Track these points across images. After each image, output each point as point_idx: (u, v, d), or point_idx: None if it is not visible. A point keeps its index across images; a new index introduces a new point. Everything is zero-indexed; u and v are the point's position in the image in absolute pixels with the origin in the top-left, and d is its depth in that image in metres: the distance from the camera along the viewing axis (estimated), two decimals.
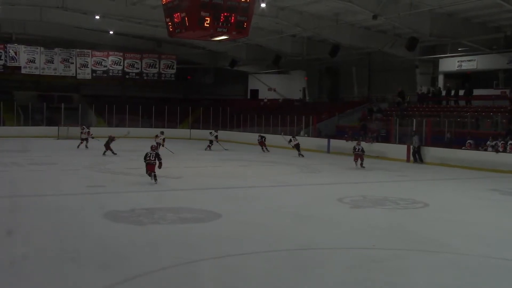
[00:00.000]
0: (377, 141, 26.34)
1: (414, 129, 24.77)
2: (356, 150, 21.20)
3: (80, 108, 40.02)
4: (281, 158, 24.61)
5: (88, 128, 29.19)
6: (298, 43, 34.56)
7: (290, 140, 26.42)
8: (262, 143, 29.17)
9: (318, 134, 31.54)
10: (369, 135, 27.08)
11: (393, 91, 33.13)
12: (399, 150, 24.60)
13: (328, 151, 27.62)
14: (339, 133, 30.39)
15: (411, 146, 23.81)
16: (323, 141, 29.25)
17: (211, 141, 28.78)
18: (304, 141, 30.92)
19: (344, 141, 27.12)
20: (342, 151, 25.71)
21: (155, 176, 14.93)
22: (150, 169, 15.03)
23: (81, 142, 27.71)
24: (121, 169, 18.29)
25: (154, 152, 15.35)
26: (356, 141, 22.49)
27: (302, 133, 32.84)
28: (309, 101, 42.66)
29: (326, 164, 22.20)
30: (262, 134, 30.33)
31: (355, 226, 10.01)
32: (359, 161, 20.82)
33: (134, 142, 31.67)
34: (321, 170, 19.94)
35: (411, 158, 23.74)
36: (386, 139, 26.86)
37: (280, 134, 29.66)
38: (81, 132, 28.61)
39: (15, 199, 12.08)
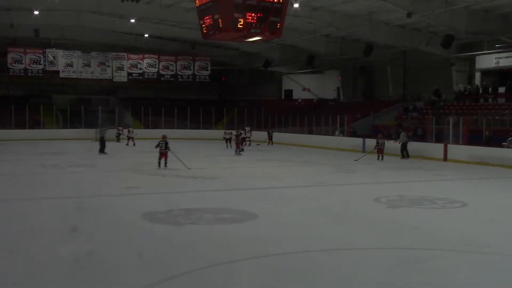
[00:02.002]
0: (413, 140, 26.02)
1: (402, 127, 26.74)
2: (379, 144, 23.42)
3: (117, 111, 40.66)
4: (316, 158, 24.54)
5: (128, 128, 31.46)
6: (331, 42, 34.41)
7: (240, 134, 28.20)
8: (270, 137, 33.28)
9: (353, 134, 31.34)
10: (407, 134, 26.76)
11: (429, 90, 32.73)
12: (436, 148, 24.26)
13: (364, 151, 27.38)
14: (375, 133, 30.13)
15: (399, 142, 24.42)
16: (358, 141, 29.04)
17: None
18: (339, 140, 30.84)
19: (392, 141, 26.84)
20: (390, 151, 25.43)
21: (165, 162, 18.47)
22: (164, 157, 18.44)
23: (129, 140, 31.61)
24: (158, 171, 18.47)
25: (165, 141, 18.49)
26: (380, 135, 24.46)
27: (337, 132, 32.70)
28: (343, 101, 42.46)
29: (362, 164, 22.03)
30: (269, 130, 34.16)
31: (392, 226, 9.90)
32: (381, 156, 23.07)
33: (170, 144, 31.88)
34: (357, 170, 19.79)
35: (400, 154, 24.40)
36: (423, 138, 26.52)
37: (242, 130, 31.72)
38: (128, 131, 32.48)
39: (56, 200, 12.32)
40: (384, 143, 23.86)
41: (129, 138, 32.28)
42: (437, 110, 29.53)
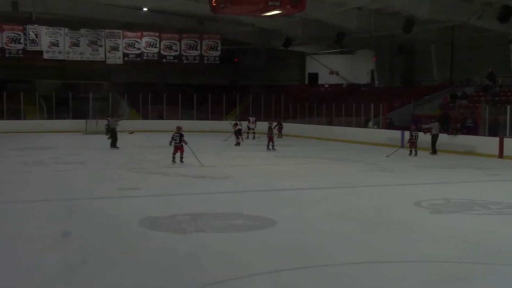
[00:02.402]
0: (462, 133, 25.89)
1: (435, 116, 27.58)
2: (413, 137, 24.11)
3: (111, 98, 40.86)
4: (345, 154, 24.52)
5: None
6: (364, 17, 34.24)
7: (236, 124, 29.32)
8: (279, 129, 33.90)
9: (390, 125, 31.23)
10: (452, 126, 26.66)
11: (482, 73, 32.45)
12: (490, 143, 24.11)
13: (402, 146, 27.30)
14: (415, 124, 29.98)
15: (430, 134, 25.02)
16: (396, 134, 28.93)
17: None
18: (373, 133, 30.76)
19: (422, 133, 26.77)
20: (419, 145, 25.36)
21: (181, 157, 19.41)
22: (179, 151, 19.37)
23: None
24: (159, 169, 18.59)
25: (179, 134, 19.39)
26: (414, 126, 25.14)
27: (370, 124, 32.62)
28: (378, 86, 42.33)
29: (400, 161, 21.97)
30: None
31: (436, 235, 9.88)
32: (413, 150, 23.75)
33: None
34: (394, 169, 19.75)
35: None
36: (473, 131, 26.36)
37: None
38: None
39: (37, 204, 12.46)
40: (417, 136, 24.40)
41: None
42: (491, 97, 29.29)
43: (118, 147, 25.68)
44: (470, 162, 21.81)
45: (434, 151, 24.76)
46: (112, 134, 26.38)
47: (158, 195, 13.76)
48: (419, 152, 23.95)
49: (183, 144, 19.67)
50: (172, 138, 19.79)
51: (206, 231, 9.82)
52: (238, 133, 29.25)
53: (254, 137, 34.24)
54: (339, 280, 7.38)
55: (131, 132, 31.84)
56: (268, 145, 25.78)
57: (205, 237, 9.47)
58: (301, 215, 11.47)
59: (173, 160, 19.79)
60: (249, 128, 34.89)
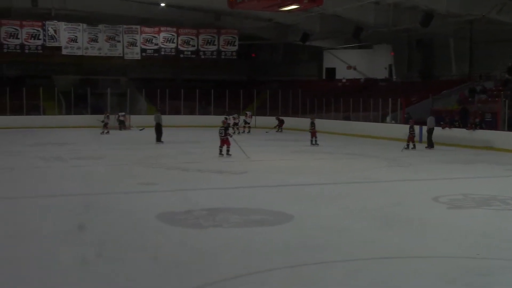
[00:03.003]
0: (481, 128, 25.71)
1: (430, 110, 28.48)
2: (412, 132, 24.07)
3: (129, 94, 40.99)
4: (362, 149, 24.42)
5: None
6: (382, 11, 34.03)
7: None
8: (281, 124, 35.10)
9: (408, 120, 31.05)
10: (470, 121, 26.47)
11: (501, 67, 32.16)
12: (509, 138, 23.94)
13: (420, 141, 27.14)
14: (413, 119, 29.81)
15: (427, 128, 25.20)
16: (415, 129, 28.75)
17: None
18: (390, 128, 30.62)
19: (440, 128, 26.62)
20: (437, 140, 25.21)
21: (228, 150, 19.96)
22: (226, 144, 20.03)
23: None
24: (176, 164, 18.64)
25: (224, 127, 20.14)
26: (412, 121, 25.23)
27: (388, 119, 32.46)
28: (396, 81, 42.05)
29: (418, 156, 21.86)
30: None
31: (455, 230, 9.83)
32: (411, 143, 23.85)
33: (191, 132, 32.35)
34: (412, 164, 19.65)
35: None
36: (493, 126, 26.16)
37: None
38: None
39: (56, 199, 12.54)
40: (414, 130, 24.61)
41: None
42: (510, 91, 29.03)
43: (163, 142, 26.22)
44: (489, 157, 21.65)
45: (430, 144, 24.82)
46: (158, 129, 26.78)
47: (176, 190, 13.78)
48: (443, 146, 24.05)
49: (228, 136, 20.37)
50: (219, 131, 20.47)
51: (223, 226, 9.84)
52: (236, 124, 29.93)
53: (249, 131, 34.78)
54: (358, 276, 7.36)
55: (142, 129, 32.33)
56: (311, 140, 25.85)
57: (222, 232, 9.48)
58: (319, 210, 11.45)
59: (220, 153, 20.37)
60: (245, 123, 35.46)
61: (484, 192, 13.60)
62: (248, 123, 35.62)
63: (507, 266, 7.81)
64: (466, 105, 29.76)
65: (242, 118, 34.83)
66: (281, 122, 35.94)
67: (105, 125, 32.35)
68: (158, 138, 26.48)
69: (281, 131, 35.39)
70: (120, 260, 7.87)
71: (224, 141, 20.32)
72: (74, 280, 7.07)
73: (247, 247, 8.56)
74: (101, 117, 33.64)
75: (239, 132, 30.02)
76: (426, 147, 24.66)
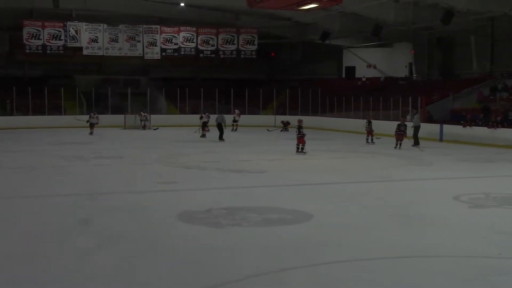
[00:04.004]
0: (503, 126, 25.48)
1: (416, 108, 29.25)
2: (401, 130, 24.00)
3: (149, 93, 41.18)
4: (383, 149, 24.30)
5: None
6: (402, 9, 33.90)
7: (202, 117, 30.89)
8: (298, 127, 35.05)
9: (429, 119, 30.87)
10: (492, 119, 26.25)
11: None
12: None
13: (441, 139, 27.00)
14: (455, 118, 29.61)
15: (412, 126, 25.26)
16: (435, 127, 28.61)
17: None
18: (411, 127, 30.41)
19: (461, 127, 26.44)
20: (458, 138, 25.05)
21: (302, 148, 20.94)
22: (301, 142, 21.07)
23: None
24: (196, 163, 18.69)
25: (299, 126, 21.28)
26: (403, 119, 25.57)
27: (408, 117, 32.27)
28: (416, 79, 41.83)
29: (439, 155, 21.71)
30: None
31: (476, 230, 9.74)
32: (399, 143, 23.77)
33: (210, 131, 32.34)
34: (433, 162, 19.53)
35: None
36: None
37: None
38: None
39: (77, 197, 12.62)
40: (406, 127, 24.55)
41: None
42: None
43: (224, 140, 27.61)
44: (510, 156, 21.45)
45: (416, 142, 24.72)
46: (219, 128, 28.32)
47: (195, 189, 13.81)
48: (460, 145, 23.86)
49: (302, 135, 21.34)
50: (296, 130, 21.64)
51: (242, 225, 9.84)
52: (204, 125, 30.26)
53: (236, 129, 35.22)
54: (378, 274, 7.31)
55: (156, 128, 32.60)
56: (367, 139, 25.92)
57: (241, 231, 9.48)
58: (338, 209, 11.41)
59: (297, 151, 21.34)
60: (234, 121, 35.71)
61: (506, 191, 13.47)
62: (237, 121, 35.95)
63: None
64: (487, 103, 29.52)
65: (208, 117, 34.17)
66: (286, 124, 35.88)
67: (92, 125, 31.16)
68: (220, 136, 28.00)
69: (287, 130, 35.10)
70: (138, 258, 7.89)
71: (300, 139, 21.16)
72: (90, 275, 7.11)
73: (266, 246, 8.54)
74: (85, 117, 33.42)
75: (208, 131, 30.41)
76: (412, 145, 24.47)
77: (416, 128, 25.10)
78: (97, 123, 30.96)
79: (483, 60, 36.84)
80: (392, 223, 10.20)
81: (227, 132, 29.78)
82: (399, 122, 24.49)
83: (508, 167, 18.85)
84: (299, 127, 21.53)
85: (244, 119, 38.11)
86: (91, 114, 31.56)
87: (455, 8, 30.05)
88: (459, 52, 39.30)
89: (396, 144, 23.65)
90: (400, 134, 23.78)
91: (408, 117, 31.97)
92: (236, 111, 37.00)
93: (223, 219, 10.21)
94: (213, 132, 28.93)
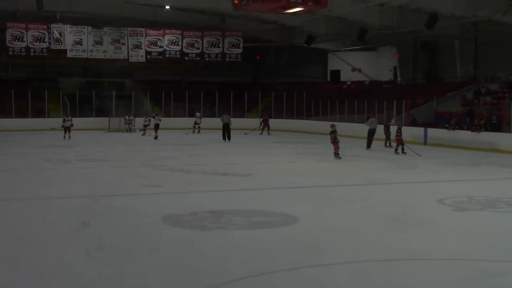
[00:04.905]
0: (487, 130, 25.66)
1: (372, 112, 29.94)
2: (387, 130, 25.28)
3: (134, 96, 41.06)
4: (367, 152, 24.41)
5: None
6: (387, 13, 34.01)
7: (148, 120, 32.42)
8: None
9: (413, 123, 31.03)
10: (475, 123, 26.43)
11: (506, 69, 32.11)
12: None
13: (425, 143, 27.12)
14: (439, 121, 29.78)
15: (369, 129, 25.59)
16: (419, 131, 28.75)
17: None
18: (395, 130, 30.51)
19: (445, 130, 26.61)
20: (442, 142, 25.21)
21: (337, 153, 20.90)
22: (334, 146, 20.95)
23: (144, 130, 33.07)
24: (181, 166, 18.67)
25: (332, 130, 21.02)
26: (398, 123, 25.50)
27: (392, 121, 32.39)
28: (401, 83, 41.99)
29: (423, 158, 21.82)
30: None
31: (460, 232, 9.82)
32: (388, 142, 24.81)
33: (195, 134, 32.42)
34: (417, 166, 19.64)
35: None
36: (498, 127, 26.11)
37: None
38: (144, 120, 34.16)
39: (61, 200, 12.58)
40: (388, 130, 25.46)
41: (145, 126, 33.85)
42: None
43: (228, 140, 28.89)
44: (494, 160, 21.61)
45: (368, 145, 25.07)
46: (226, 129, 29.40)
47: (180, 192, 13.82)
48: (445, 148, 23.90)
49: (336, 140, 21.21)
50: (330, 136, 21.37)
51: (227, 228, 9.85)
52: (145, 126, 31.48)
53: (199, 131, 35.42)
54: (364, 278, 7.36)
55: (144, 134, 32.67)
56: (397, 149, 23.68)
57: (226, 234, 9.50)
58: (324, 212, 11.46)
59: (335, 156, 21.17)
60: (195, 123, 35.98)
61: (489, 194, 13.56)
62: (198, 124, 36.05)
63: None
64: (471, 107, 29.73)
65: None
66: (265, 122, 36.02)
67: (67, 129, 30.26)
68: (228, 137, 29.16)
69: (269, 133, 35.21)
70: (125, 261, 7.89)
71: (334, 143, 21.12)
72: (78, 280, 7.10)
73: (251, 249, 8.57)
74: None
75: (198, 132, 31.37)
76: (366, 148, 25.01)
77: (371, 131, 25.33)
78: (72, 126, 30.42)
79: (467, 64, 37.06)
80: (378, 226, 10.25)
81: (194, 136, 30.17)
82: (397, 127, 24.23)
83: (492, 170, 18.99)
84: (332, 132, 21.35)
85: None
86: (65, 117, 31.03)
87: (439, 13, 30.23)
88: (443, 56, 39.52)
89: (397, 149, 23.53)
90: (400, 138, 23.58)
91: (393, 121, 32.15)
92: (198, 113, 37.08)
93: (209, 222, 10.22)
94: (212, 133, 28.90)
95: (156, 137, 29.99)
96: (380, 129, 26.62)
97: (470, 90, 33.19)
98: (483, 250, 8.57)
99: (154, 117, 32.46)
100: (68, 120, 30.24)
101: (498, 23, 30.52)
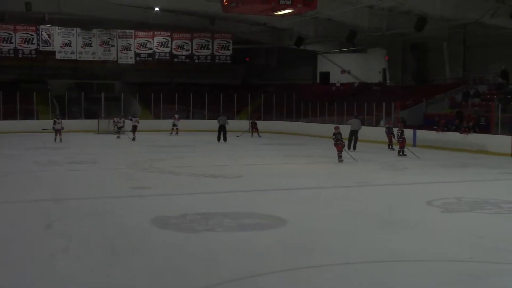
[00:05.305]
0: (475, 132, 25.78)
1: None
2: (389, 132, 25.40)
3: (123, 98, 40.96)
4: (357, 154, 24.44)
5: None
6: (377, 15, 34.13)
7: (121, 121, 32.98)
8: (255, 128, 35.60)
9: (402, 125, 31.11)
10: (464, 125, 26.54)
11: (495, 71, 32.27)
12: (502, 142, 24.00)
13: (414, 145, 27.21)
14: (428, 123, 29.90)
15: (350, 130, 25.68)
16: (408, 133, 28.68)
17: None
18: (383, 132, 30.61)
19: (434, 132, 26.71)
20: (431, 144, 25.30)
21: (339, 156, 20.57)
22: (337, 148, 20.72)
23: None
24: (170, 168, 18.64)
25: (336, 132, 20.99)
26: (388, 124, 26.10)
27: (382, 123, 32.49)
28: (390, 85, 42.14)
29: (413, 160, 21.90)
30: None
31: (448, 234, 9.85)
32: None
33: (185, 136, 32.38)
34: (407, 167, 19.70)
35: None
36: (486, 129, 26.25)
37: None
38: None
39: (50, 203, 12.52)
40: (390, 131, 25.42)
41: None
42: (504, 95, 29.14)
43: (223, 141, 29.33)
44: (482, 161, 21.71)
45: (348, 146, 24.77)
46: (223, 130, 29.72)
47: (169, 195, 13.79)
48: (437, 150, 23.96)
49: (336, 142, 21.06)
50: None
51: (217, 230, 9.84)
52: (119, 128, 31.97)
53: (177, 133, 35.54)
54: (353, 279, 7.38)
55: (132, 136, 32.56)
56: (399, 151, 23.46)
57: (216, 236, 9.49)
58: (313, 214, 11.46)
59: (338, 159, 20.84)
60: (173, 125, 36.17)
61: (477, 195, 13.61)
62: (176, 126, 36.21)
63: (500, 269, 7.83)
64: (460, 108, 29.86)
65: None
66: (253, 125, 36.09)
67: (57, 132, 29.78)
68: (224, 138, 29.51)
69: (259, 135, 35.21)
70: (114, 264, 7.86)
71: (337, 146, 20.95)
72: (65, 284, 7.08)
73: (240, 251, 8.56)
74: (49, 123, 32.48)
75: (120, 135, 31.87)
76: (348, 149, 24.59)
77: (352, 132, 25.46)
78: (62, 128, 30.13)
79: (455, 66, 37.26)
80: (367, 227, 10.27)
81: (170, 137, 30.40)
82: (399, 129, 24.09)
83: (480, 172, 19.07)
84: (334, 134, 21.25)
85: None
86: (55, 120, 30.74)
87: (428, 15, 30.36)
88: (432, 58, 39.69)
89: (399, 151, 23.35)
90: (403, 140, 23.60)
91: (382, 123, 32.25)
92: (176, 115, 37.11)
93: (198, 224, 10.21)
94: (202, 135, 28.85)
95: (133, 139, 30.26)
96: (375, 131, 26.71)
97: (459, 92, 33.36)
98: (470, 252, 8.60)
99: (131, 119, 32.59)
100: (58, 123, 29.98)
101: (486, 26, 30.71)
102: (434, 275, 7.54)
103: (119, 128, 32.76)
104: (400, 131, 23.54)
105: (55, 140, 29.12)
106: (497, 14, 28.61)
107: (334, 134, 21.22)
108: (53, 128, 29.94)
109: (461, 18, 31.09)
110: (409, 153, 22.72)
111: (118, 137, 32.12)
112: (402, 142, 23.27)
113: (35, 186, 15.08)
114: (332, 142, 21.35)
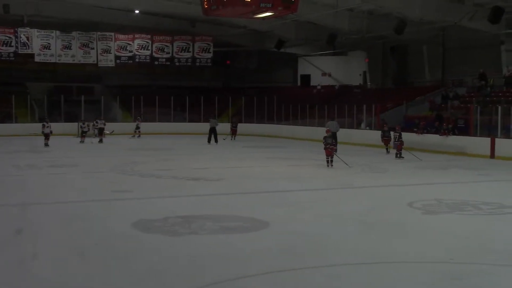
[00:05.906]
0: (454, 134, 26.00)
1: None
2: (385, 136, 25.05)
3: (103, 101, 40.76)
4: (340, 157, 24.53)
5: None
6: (356, 18, 34.30)
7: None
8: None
9: (382, 127, 31.27)
10: (443, 127, 26.75)
11: (473, 73, 32.55)
12: (481, 144, 24.21)
13: (395, 147, 27.36)
14: (408, 125, 30.07)
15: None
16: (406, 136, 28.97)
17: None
18: (365, 134, 30.79)
19: (415, 134, 26.88)
20: (412, 146, 25.41)
21: (331, 161, 20.05)
22: (328, 154, 20.10)
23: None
24: (151, 171, 18.58)
25: (330, 135, 20.57)
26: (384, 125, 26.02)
27: (362, 125, 32.69)
28: (370, 87, 42.36)
29: (393, 162, 22.05)
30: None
31: (429, 235, 9.94)
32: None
33: (166, 139, 32.32)
34: (387, 170, 19.82)
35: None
36: (465, 131, 26.47)
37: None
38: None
39: (30, 207, 12.45)
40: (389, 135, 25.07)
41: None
42: (482, 97, 29.39)
43: (211, 143, 30.31)
44: (462, 163, 21.89)
45: None
46: (213, 132, 30.59)
47: (151, 198, 13.75)
48: (424, 153, 24.04)
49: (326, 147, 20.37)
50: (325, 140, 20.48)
51: (199, 233, 9.84)
52: (84, 133, 31.85)
53: (139, 136, 35.46)
54: (334, 281, 7.41)
55: (112, 131, 32.53)
56: (397, 154, 23.44)
57: (198, 239, 9.48)
58: (295, 216, 11.50)
59: (327, 164, 20.30)
60: (136, 127, 36.02)
61: (457, 197, 13.76)
62: (139, 129, 36.09)
63: (481, 269, 7.91)
64: (440, 111, 30.08)
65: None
66: (235, 128, 35.96)
67: (47, 136, 29.27)
68: (215, 140, 30.38)
69: (234, 137, 35.24)
70: (94, 268, 7.84)
71: (327, 151, 20.29)
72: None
73: (223, 254, 8.57)
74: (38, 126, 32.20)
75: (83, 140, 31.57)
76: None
77: (333, 135, 25.33)
78: (51, 132, 29.89)
79: (435, 69, 37.54)
80: (348, 230, 10.33)
81: (135, 139, 31.45)
82: (395, 133, 24.08)
83: (459, 173, 19.25)
84: (325, 137, 20.58)
85: (200, 126, 38.06)
86: (44, 123, 30.48)
87: (408, 18, 30.55)
88: (412, 61, 39.97)
89: (397, 154, 23.32)
90: (386, 140, 23.80)
91: (363, 126, 32.43)
92: (139, 118, 37.21)
93: (180, 227, 10.20)
94: (182, 138, 28.76)
95: (101, 141, 30.63)
96: (357, 133, 26.77)
97: (438, 94, 33.62)
98: (451, 253, 8.67)
99: (95, 123, 32.84)
100: (47, 127, 29.58)
101: (465, 29, 30.96)
102: (415, 276, 7.61)
103: (84, 132, 32.08)
104: (397, 134, 23.63)
105: (45, 145, 28.44)
106: (476, 17, 28.88)
107: (324, 137, 20.63)
108: (42, 132, 29.53)
109: (440, 21, 31.31)
110: (410, 156, 22.75)
111: (81, 141, 31.38)
112: (400, 145, 23.38)
113: (12, 190, 14.93)
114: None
